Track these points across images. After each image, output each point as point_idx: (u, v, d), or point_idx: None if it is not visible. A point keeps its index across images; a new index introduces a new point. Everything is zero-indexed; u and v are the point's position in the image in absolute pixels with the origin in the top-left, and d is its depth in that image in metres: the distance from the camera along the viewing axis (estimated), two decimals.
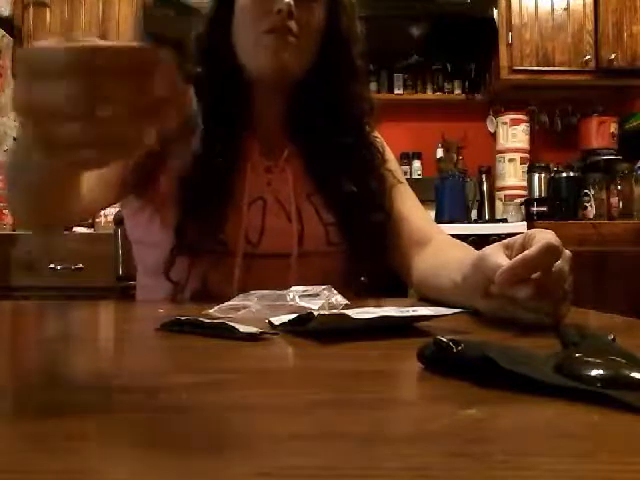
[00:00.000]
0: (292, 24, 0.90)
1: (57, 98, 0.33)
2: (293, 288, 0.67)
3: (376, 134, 1.04)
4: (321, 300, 0.64)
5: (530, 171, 3.13)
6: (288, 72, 0.93)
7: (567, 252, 0.60)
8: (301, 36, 0.91)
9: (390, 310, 0.55)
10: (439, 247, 0.94)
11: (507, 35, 3.00)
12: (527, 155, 3.18)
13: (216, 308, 0.64)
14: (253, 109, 0.98)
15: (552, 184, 2.99)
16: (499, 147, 3.22)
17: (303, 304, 0.62)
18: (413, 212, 1.01)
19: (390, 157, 1.06)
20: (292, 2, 0.89)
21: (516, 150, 3.17)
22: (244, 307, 0.64)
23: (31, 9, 2.94)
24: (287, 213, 0.93)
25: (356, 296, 0.87)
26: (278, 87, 0.96)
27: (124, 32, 2.96)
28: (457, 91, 3.29)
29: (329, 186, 0.97)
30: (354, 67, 0.98)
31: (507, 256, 0.61)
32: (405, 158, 3.28)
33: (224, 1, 0.95)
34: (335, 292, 0.67)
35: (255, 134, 0.97)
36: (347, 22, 0.97)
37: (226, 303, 0.65)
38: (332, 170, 0.96)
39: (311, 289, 0.67)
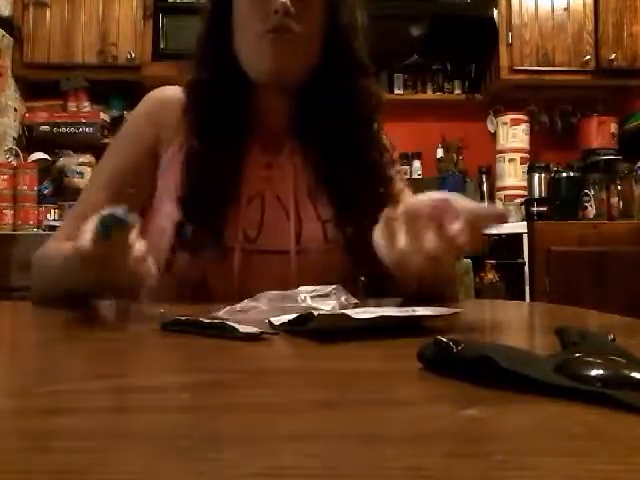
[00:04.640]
0: (291, 23, 0.88)
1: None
2: (302, 288, 0.67)
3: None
4: (333, 301, 0.64)
5: (530, 171, 3.14)
6: (290, 74, 0.92)
7: (469, 211, 0.63)
8: (301, 34, 0.90)
9: (390, 310, 0.55)
10: None
11: (507, 35, 3.00)
12: (527, 155, 3.19)
13: (224, 310, 0.64)
14: (255, 107, 0.97)
15: (552, 184, 2.99)
16: (499, 147, 3.22)
17: (315, 305, 0.62)
18: None
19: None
20: (288, 1, 0.87)
21: (516, 150, 3.17)
22: (254, 309, 0.64)
23: (31, 9, 2.95)
24: (286, 210, 0.93)
25: (355, 296, 0.87)
26: (281, 88, 0.95)
27: (124, 32, 2.97)
28: (457, 91, 3.29)
29: (331, 182, 0.96)
30: (358, 60, 0.96)
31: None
32: (405, 158, 3.28)
33: (222, 4, 0.94)
34: (344, 291, 0.67)
35: (256, 130, 0.97)
36: (348, 14, 0.95)
37: (235, 305, 0.65)
38: (335, 165, 0.94)
39: (320, 289, 0.66)
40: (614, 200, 2.94)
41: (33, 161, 2.99)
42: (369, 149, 0.97)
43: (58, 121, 3.06)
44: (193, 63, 0.96)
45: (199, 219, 0.89)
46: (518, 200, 3.08)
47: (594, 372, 0.32)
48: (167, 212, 0.92)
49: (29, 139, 3.09)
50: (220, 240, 0.89)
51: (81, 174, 2.95)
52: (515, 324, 0.78)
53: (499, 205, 3.17)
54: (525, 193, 3.12)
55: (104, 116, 3.12)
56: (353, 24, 0.96)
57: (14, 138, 3.06)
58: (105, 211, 0.64)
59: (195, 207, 0.89)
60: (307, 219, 0.93)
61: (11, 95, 3.02)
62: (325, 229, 0.93)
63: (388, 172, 0.97)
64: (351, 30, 0.95)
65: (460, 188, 3.05)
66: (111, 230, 0.64)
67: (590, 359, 0.35)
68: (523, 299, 2.61)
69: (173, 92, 0.99)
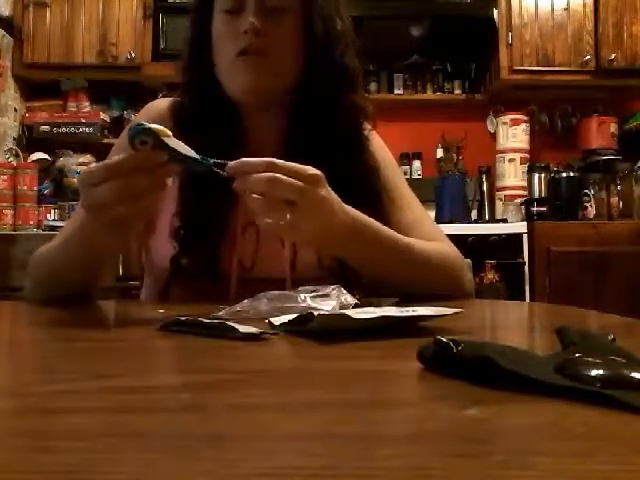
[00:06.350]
0: (261, 43, 0.87)
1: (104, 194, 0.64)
2: (302, 288, 0.67)
3: (374, 136, 1.01)
4: (333, 301, 0.63)
5: (530, 171, 3.14)
6: (266, 94, 0.91)
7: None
8: (274, 53, 0.89)
9: (390, 310, 0.55)
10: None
11: (507, 35, 3.00)
12: (527, 155, 3.19)
13: (224, 310, 0.63)
14: (246, 130, 0.96)
15: (552, 184, 2.99)
16: (499, 147, 3.22)
17: (315, 305, 0.62)
18: (418, 222, 0.98)
19: (385, 159, 1.02)
20: (256, 21, 0.86)
21: (516, 150, 3.17)
22: (253, 309, 0.64)
23: (31, 9, 2.95)
24: (280, 238, 0.91)
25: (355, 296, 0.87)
26: (266, 108, 0.94)
27: (124, 32, 2.97)
28: (457, 91, 3.29)
29: None
30: (341, 70, 0.93)
31: None
32: (405, 158, 3.28)
33: (202, 29, 0.93)
34: (344, 292, 0.67)
35: (250, 155, 0.96)
36: (325, 23, 0.92)
37: (235, 305, 0.65)
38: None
39: (320, 289, 0.66)
40: (614, 200, 2.94)
41: (33, 161, 2.99)
42: (356, 171, 0.94)
43: (58, 121, 3.06)
44: (178, 88, 0.96)
45: (195, 250, 0.88)
46: (518, 200, 3.08)
47: (594, 372, 0.32)
48: (162, 245, 0.91)
49: (29, 139, 3.09)
50: (215, 270, 0.88)
51: None
52: (515, 324, 0.78)
53: (499, 205, 3.18)
54: (525, 193, 3.12)
55: (104, 116, 3.12)
56: (333, 33, 0.93)
57: (14, 138, 3.06)
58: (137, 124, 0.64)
59: (190, 238, 0.89)
60: (301, 246, 0.91)
61: (11, 95, 3.02)
62: (319, 255, 0.92)
63: (377, 187, 0.95)
64: (331, 40, 0.92)
65: (460, 188, 3.05)
66: (144, 134, 0.63)
67: (590, 359, 0.35)
68: (523, 299, 2.60)
69: (167, 104, 0.98)
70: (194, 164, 0.66)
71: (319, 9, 0.92)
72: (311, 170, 0.69)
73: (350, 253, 0.81)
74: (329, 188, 0.72)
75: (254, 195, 0.67)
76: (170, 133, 0.65)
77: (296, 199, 0.67)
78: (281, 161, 0.67)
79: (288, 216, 0.67)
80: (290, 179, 0.66)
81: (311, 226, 0.70)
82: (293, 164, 0.68)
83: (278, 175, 0.66)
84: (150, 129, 0.63)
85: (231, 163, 0.67)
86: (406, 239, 0.87)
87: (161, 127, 0.64)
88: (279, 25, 0.90)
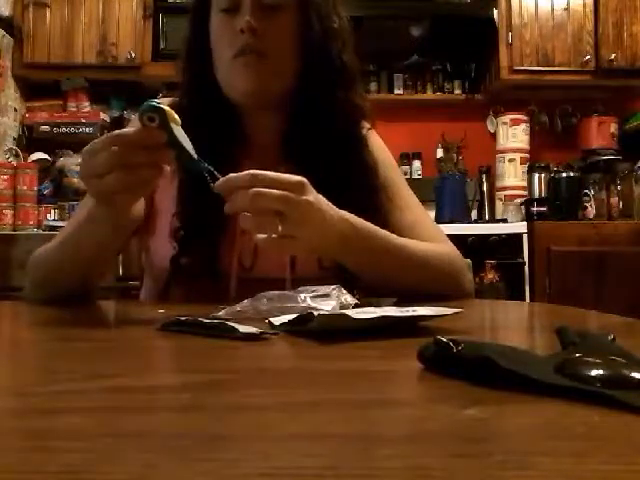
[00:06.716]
0: (258, 42, 0.87)
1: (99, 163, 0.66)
2: (302, 288, 0.67)
3: (373, 136, 1.01)
4: (333, 301, 0.63)
5: (530, 171, 3.14)
6: (266, 93, 0.91)
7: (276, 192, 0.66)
8: (272, 52, 0.89)
9: (390, 310, 0.55)
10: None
11: (507, 35, 3.00)
12: (527, 155, 3.19)
13: (224, 310, 0.63)
14: (245, 130, 0.96)
15: (552, 184, 2.99)
16: (499, 147, 3.22)
17: (315, 305, 0.62)
18: (418, 222, 0.97)
19: (384, 158, 1.01)
20: (252, 20, 0.87)
21: (516, 150, 3.17)
22: (253, 309, 0.64)
23: (31, 9, 2.95)
24: None
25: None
26: (266, 107, 0.94)
27: (124, 32, 2.97)
28: (457, 91, 3.29)
29: None
30: (338, 68, 0.93)
31: None
32: (405, 158, 3.28)
33: (200, 29, 0.94)
34: (345, 292, 0.67)
35: (250, 155, 0.95)
36: (321, 20, 0.92)
37: (235, 305, 0.65)
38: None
39: (321, 289, 0.66)
40: (614, 200, 2.94)
41: (33, 161, 2.99)
42: (356, 166, 0.94)
43: (58, 121, 3.06)
44: (178, 88, 0.96)
45: (194, 250, 0.88)
46: (518, 200, 3.08)
47: (594, 372, 0.32)
48: (162, 245, 0.91)
49: (29, 139, 3.09)
50: (215, 269, 0.88)
51: None
52: (515, 324, 0.78)
53: (499, 205, 3.18)
54: (525, 193, 3.12)
55: (104, 116, 3.12)
56: (330, 30, 0.93)
57: (14, 138, 3.06)
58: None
59: (190, 238, 0.89)
60: (301, 256, 0.90)
61: (11, 95, 3.02)
62: (319, 256, 0.91)
63: (376, 186, 0.94)
64: (328, 37, 0.92)
65: (460, 188, 3.05)
66: (153, 111, 0.63)
67: (590, 359, 0.35)
68: (523, 299, 2.60)
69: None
70: (187, 160, 0.66)
71: (316, 6, 0.92)
72: (294, 178, 0.69)
73: (347, 257, 0.81)
74: (316, 193, 0.72)
75: (244, 213, 0.66)
76: (179, 121, 0.65)
77: (283, 209, 0.66)
78: (263, 172, 0.67)
79: (280, 228, 0.66)
80: (273, 190, 0.66)
81: (305, 233, 0.69)
82: (275, 174, 0.68)
83: (261, 189, 0.65)
84: (160, 109, 0.64)
85: (218, 182, 0.66)
86: (403, 240, 0.86)
87: (172, 112, 0.64)
88: (276, 23, 0.90)
